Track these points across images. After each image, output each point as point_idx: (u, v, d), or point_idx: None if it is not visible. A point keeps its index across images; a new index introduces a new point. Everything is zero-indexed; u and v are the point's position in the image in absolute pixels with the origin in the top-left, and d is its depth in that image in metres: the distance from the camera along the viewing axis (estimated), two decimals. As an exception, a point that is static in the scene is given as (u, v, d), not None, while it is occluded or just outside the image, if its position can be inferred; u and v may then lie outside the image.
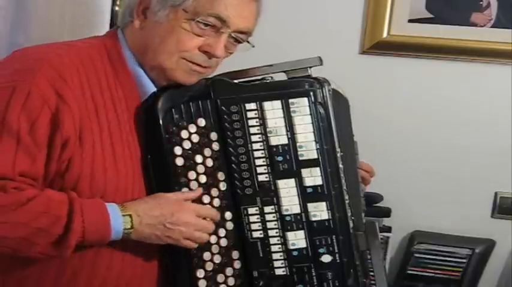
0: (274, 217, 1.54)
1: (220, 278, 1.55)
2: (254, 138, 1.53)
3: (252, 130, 1.53)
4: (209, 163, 1.52)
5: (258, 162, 1.53)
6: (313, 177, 1.54)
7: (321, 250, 1.55)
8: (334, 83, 1.59)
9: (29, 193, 1.35)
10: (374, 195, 2.50)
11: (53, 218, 1.35)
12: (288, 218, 1.54)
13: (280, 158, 1.53)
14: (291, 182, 1.54)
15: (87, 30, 2.15)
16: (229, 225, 1.55)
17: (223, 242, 1.54)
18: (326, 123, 1.55)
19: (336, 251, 1.55)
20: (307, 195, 1.54)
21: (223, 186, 1.54)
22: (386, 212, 2.52)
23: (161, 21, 1.46)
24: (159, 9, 1.46)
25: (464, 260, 2.45)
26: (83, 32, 2.08)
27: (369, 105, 2.50)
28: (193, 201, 1.50)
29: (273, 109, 1.53)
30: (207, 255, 1.53)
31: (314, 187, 1.54)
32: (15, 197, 1.34)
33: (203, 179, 1.52)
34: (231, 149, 1.53)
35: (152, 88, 1.53)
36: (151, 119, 1.50)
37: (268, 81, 1.58)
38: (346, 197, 1.57)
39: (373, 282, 1.68)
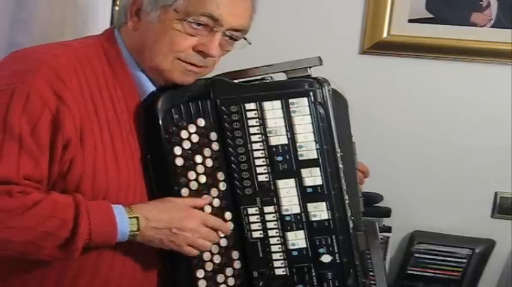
0: (274, 217, 1.54)
1: (220, 278, 1.55)
2: (254, 138, 1.53)
3: (252, 130, 1.53)
4: (209, 163, 1.52)
5: (258, 162, 1.53)
6: (313, 177, 1.54)
7: (321, 250, 1.55)
8: (334, 83, 1.59)
9: (34, 196, 1.35)
10: (374, 195, 2.50)
11: (60, 221, 1.35)
12: (287, 218, 1.54)
13: (280, 158, 1.53)
14: (291, 182, 1.54)
15: (87, 31, 2.15)
16: (229, 225, 1.54)
17: (223, 242, 1.54)
18: (326, 124, 1.55)
19: (336, 251, 1.55)
20: (307, 195, 1.54)
21: (223, 186, 1.54)
22: (386, 212, 2.52)
23: (154, 22, 1.46)
24: (151, 10, 1.45)
25: (464, 260, 2.45)
26: (83, 33, 2.08)
27: (368, 105, 2.50)
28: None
29: (273, 109, 1.53)
30: (206, 255, 1.53)
31: (314, 187, 1.54)
32: (21, 202, 1.34)
33: (203, 179, 1.52)
34: (230, 149, 1.53)
35: (151, 87, 1.53)
36: (151, 119, 1.50)
37: (268, 81, 1.58)
38: (346, 197, 1.57)
39: (373, 282, 1.68)
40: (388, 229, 2.49)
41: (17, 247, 1.35)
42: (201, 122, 1.52)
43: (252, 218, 1.54)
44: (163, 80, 1.51)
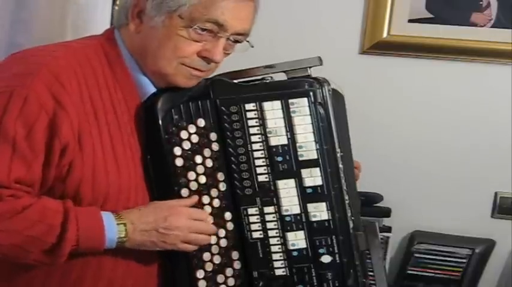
0: (274, 217, 1.54)
1: (220, 278, 1.55)
2: (254, 138, 1.53)
3: (252, 130, 1.53)
4: (209, 163, 1.52)
5: (258, 162, 1.53)
6: (313, 177, 1.54)
7: (321, 250, 1.55)
8: (333, 83, 1.59)
9: (24, 201, 1.35)
10: (374, 195, 2.51)
11: (47, 227, 1.36)
12: (287, 219, 1.54)
13: (280, 159, 1.53)
14: (291, 182, 1.54)
15: (87, 31, 2.15)
16: (229, 225, 1.54)
17: (223, 242, 1.54)
18: (326, 124, 1.55)
19: (336, 251, 1.55)
20: (307, 195, 1.54)
21: (223, 186, 1.53)
22: (386, 212, 2.52)
23: (157, 27, 1.44)
24: (155, 15, 1.44)
25: (464, 260, 2.45)
26: (83, 33, 2.08)
27: (368, 105, 2.51)
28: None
29: (273, 109, 1.53)
30: (206, 256, 1.53)
31: (314, 187, 1.54)
32: (10, 205, 1.34)
33: (203, 179, 1.52)
34: (230, 149, 1.53)
35: (152, 89, 1.52)
36: (150, 119, 1.49)
37: (267, 81, 1.58)
38: (346, 197, 1.56)
39: (373, 282, 1.68)
40: (388, 229, 2.49)
41: (4, 250, 1.35)
42: (201, 122, 1.52)
43: (252, 219, 1.54)
44: (166, 83, 1.50)
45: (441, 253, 2.47)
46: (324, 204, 1.54)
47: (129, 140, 1.47)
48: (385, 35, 2.54)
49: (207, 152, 1.52)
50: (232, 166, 1.53)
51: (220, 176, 1.53)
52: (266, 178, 1.53)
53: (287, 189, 1.53)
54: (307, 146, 1.53)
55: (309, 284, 1.55)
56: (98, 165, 1.41)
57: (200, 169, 1.51)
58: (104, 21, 2.22)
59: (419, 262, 2.48)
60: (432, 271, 2.47)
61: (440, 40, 2.50)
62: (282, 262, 1.55)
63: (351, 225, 1.57)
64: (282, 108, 1.53)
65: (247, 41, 1.52)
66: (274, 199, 1.54)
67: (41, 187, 1.40)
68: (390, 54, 2.55)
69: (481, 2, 2.48)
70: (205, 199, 1.52)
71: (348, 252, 1.56)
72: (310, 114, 1.53)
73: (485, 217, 2.55)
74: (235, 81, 1.57)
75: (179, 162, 1.50)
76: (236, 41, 1.50)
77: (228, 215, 1.54)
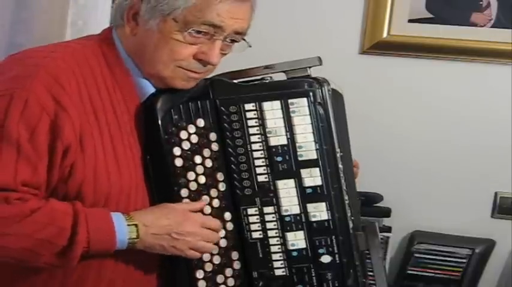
0: (273, 217, 1.54)
1: (219, 278, 1.55)
2: (253, 138, 1.53)
3: (252, 130, 1.53)
4: (208, 163, 1.52)
5: (258, 162, 1.53)
6: (312, 177, 1.54)
7: (321, 251, 1.55)
8: (333, 83, 1.59)
9: (32, 203, 1.35)
10: (374, 195, 2.51)
11: (57, 229, 1.35)
12: (287, 219, 1.54)
13: (279, 159, 1.53)
14: (291, 182, 1.53)
15: (87, 31, 2.15)
16: (229, 226, 1.54)
17: (223, 242, 1.54)
18: (325, 124, 1.55)
19: (336, 251, 1.55)
20: (306, 195, 1.54)
21: (222, 186, 1.53)
22: (386, 212, 2.52)
23: (153, 30, 1.43)
24: (149, 18, 1.43)
25: (464, 260, 2.45)
26: (83, 33, 2.08)
27: (368, 105, 2.51)
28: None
29: (273, 109, 1.53)
30: (206, 256, 1.52)
31: (314, 188, 1.54)
32: (19, 209, 1.33)
33: (202, 179, 1.52)
34: (230, 149, 1.53)
35: (151, 89, 1.51)
36: (150, 119, 1.49)
37: (267, 81, 1.57)
38: (346, 197, 1.56)
39: (373, 282, 1.67)
40: (388, 229, 2.49)
41: (14, 254, 1.35)
42: (201, 122, 1.52)
43: (252, 219, 1.54)
44: (164, 85, 1.50)
45: (441, 253, 2.47)
46: (323, 204, 1.54)
47: (129, 140, 1.47)
48: (385, 35, 2.54)
49: (206, 152, 1.52)
50: (232, 166, 1.53)
51: (220, 176, 1.53)
52: (266, 178, 1.53)
53: (287, 189, 1.53)
54: (307, 146, 1.53)
55: (308, 284, 1.55)
56: (99, 166, 1.41)
57: (200, 169, 1.51)
58: (103, 21, 2.22)
59: (419, 262, 2.48)
60: (432, 271, 2.47)
61: (440, 40, 2.51)
62: (282, 262, 1.55)
63: (351, 225, 1.57)
64: (282, 109, 1.53)
65: (244, 40, 1.51)
66: (274, 199, 1.53)
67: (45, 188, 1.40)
68: (390, 54, 2.55)
69: (481, 2, 2.49)
70: (205, 199, 1.52)
71: (348, 252, 1.56)
72: (310, 115, 1.53)
73: (485, 217, 2.55)
74: (234, 81, 1.57)
75: (179, 162, 1.50)
76: (233, 41, 1.49)
77: (227, 216, 1.54)
